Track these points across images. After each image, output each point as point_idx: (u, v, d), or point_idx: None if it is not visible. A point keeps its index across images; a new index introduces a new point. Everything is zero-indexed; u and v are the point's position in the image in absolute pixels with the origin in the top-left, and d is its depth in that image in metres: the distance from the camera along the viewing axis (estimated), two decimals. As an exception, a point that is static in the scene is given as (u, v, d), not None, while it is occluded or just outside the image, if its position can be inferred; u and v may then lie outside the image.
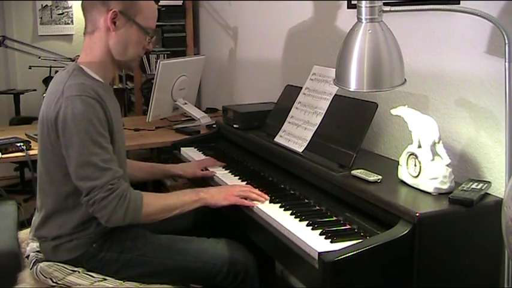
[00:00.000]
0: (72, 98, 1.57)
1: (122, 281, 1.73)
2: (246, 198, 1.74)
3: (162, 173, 2.18)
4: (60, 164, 1.63)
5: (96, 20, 1.69)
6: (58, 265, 1.71)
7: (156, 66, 2.86)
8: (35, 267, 1.73)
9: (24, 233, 1.99)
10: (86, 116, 1.57)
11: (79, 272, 1.71)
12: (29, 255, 1.78)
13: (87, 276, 1.71)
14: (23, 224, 2.32)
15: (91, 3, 1.69)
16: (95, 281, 1.71)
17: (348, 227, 1.49)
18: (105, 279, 1.72)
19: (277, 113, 2.17)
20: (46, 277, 1.71)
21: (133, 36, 1.71)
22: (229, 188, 1.83)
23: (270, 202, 1.71)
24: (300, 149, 1.91)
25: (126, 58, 1.74)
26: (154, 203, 1.68)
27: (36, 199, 1.82)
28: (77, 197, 1.63)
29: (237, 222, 1.84)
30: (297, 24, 2.55)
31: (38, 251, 1.77)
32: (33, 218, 1.81)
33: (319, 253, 1.30)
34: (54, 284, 1.72)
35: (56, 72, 4.81)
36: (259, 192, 1.76)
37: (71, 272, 1.71)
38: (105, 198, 1.56)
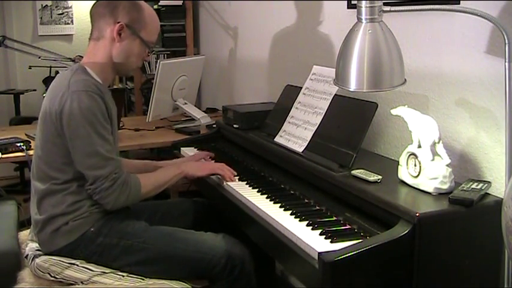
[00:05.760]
0: (78, 93, 1.68)
1: (121, 276, 1.73)
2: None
3: (155, 170, 2.18)
4: (61, 153, 1.72)
5: (102, 28, 1.80)
6: (54, 259, 1.73)
7: (156, 66, 2.86)
8: (33, 263, 1.74)
9: (24, 233, 1.99)
10: (91, 110, 1.67)
11: (77, 265, 1.72)
12: (28, 255, 1.79)
13: (85, 269, 1.72)
14: (23, 224, 2.32)
15: (100, 13, 1.80)
16: (93, 275, 1.72)
17: (348, 227, 1.49)
18: (104, 273, 1.73)
19: (277, 113, 2.17)
20: (44, 272, 1.73)
21: (135, 49, 1.83)
22: (205, 162, 2.13)
23: (270, 202, 1.71)
24: (300, 149, 1.91)
25: (126, 67, 1.87)
26: (148, 182, 1.84)
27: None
28: (75, 183, 1.73)
29: (236, 221, 1.84)
30: (296, 24, 2.55)
31: (37, 250, 1.78)
32: (31, 210, 1.83)
33: (319, 253, 1.30)
34: (52, 279, 1.73)
35: (56, 72, 4.82)
36: (231, 170, 1.97)
37: (68, 265, 1.72)
38: (111, 187, 1.70)
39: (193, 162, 2.12)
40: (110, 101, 1.79)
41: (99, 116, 1.69)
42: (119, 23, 1.77)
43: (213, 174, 2.01)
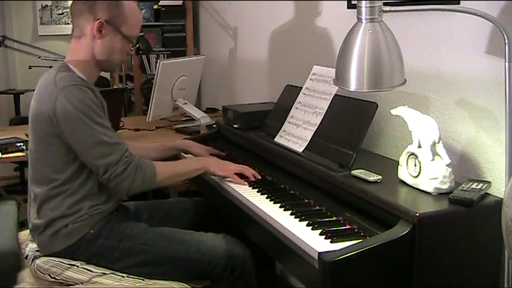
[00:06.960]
0: (67, 88, 1.66)
1: (121, 277, 1.73)
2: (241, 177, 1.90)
3: (173, 148, 2.25)
4: (58, 153, 1.70)
5: (83, 26, 1.77)
6: (54, 260, 1.72)
7: (156, 66, 2.86)
8: (33, 264, 1.74)
9: (24, 233, 1.99)
10: (84, 102, 1.66)
11: (77, 266, 1.72)
12: (28, 255, 1.79)
13: (85, 270, 1.72)
14: (23, 224, 2.32)
15: (79, 10, 1.77)
16: (94, 276, 1.71)
17: (348, 227, 1.49)
18: (104, 274, 1.72)
19: (277, 113, 2.17)
20: (44, 273, 1.72)
21: (117, 44, 1.80)
22: (228, 162, 1.99)
23: (270, 202, 1.71)
24: (300, 149, 1.91)
25: (109, 63, 1.84)
26: (165, 170, 1.82)
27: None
28: (75, 182, 1.72)
29: (236, 221, 1.84)
30: (297, 24, 2.55)
31: (37, 250, 1.78)
32: (29, 214, 1.83)
33: (319, 253, 1.30)
34: (53, 280, 1.73)
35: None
36: (254, 172, 1.91)
37: (68, 266, 1.72)
38: (125, 171, 1.69)
39: (216, 159, 2.02)
40: (99, 95, 1.77)
41: (93, 106, 1.67)
42: (98, 20, 1.74)
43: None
